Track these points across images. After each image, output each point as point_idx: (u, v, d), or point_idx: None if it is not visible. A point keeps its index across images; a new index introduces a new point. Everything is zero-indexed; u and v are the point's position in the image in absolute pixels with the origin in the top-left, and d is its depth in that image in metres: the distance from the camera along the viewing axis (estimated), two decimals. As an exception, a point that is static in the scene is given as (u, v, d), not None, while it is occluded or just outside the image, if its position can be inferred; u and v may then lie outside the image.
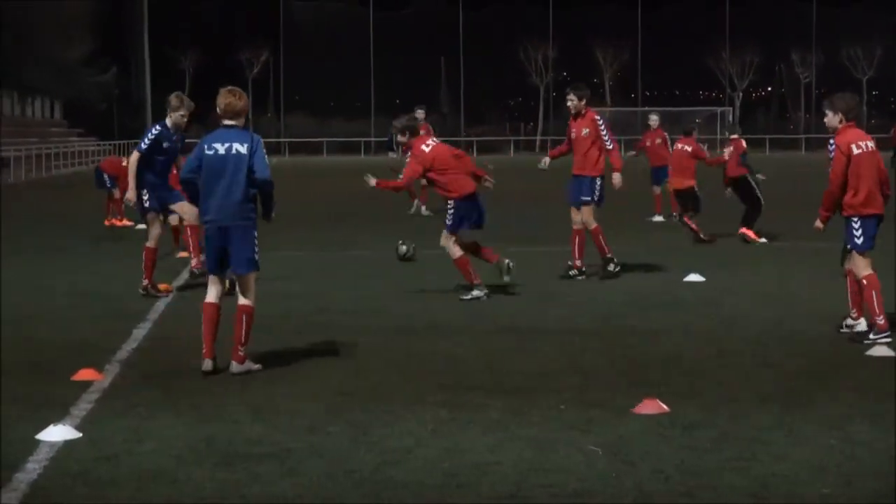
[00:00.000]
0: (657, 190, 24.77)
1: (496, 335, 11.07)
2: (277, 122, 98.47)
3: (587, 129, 14.86)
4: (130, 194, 13.80)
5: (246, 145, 9.37)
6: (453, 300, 13.26)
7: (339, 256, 14.96)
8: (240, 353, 9.43)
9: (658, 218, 24.42)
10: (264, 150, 9.50)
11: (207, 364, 9.33)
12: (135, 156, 13.68)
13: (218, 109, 9.55)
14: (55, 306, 13.08)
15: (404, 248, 16.53)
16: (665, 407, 8.00)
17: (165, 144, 13.80)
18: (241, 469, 6.76)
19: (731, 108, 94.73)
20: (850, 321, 10.91)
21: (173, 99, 13.91)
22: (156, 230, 13.90)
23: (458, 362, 9.78)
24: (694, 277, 14.70)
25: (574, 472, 6.68)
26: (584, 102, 14.99)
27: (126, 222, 23.55)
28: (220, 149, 9.40)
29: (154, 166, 13.80)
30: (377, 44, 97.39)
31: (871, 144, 10.72)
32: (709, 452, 7.04)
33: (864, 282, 10.53)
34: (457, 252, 13.33)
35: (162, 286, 13.95)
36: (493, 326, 11.58)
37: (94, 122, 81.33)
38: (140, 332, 11.26)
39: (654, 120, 25.59)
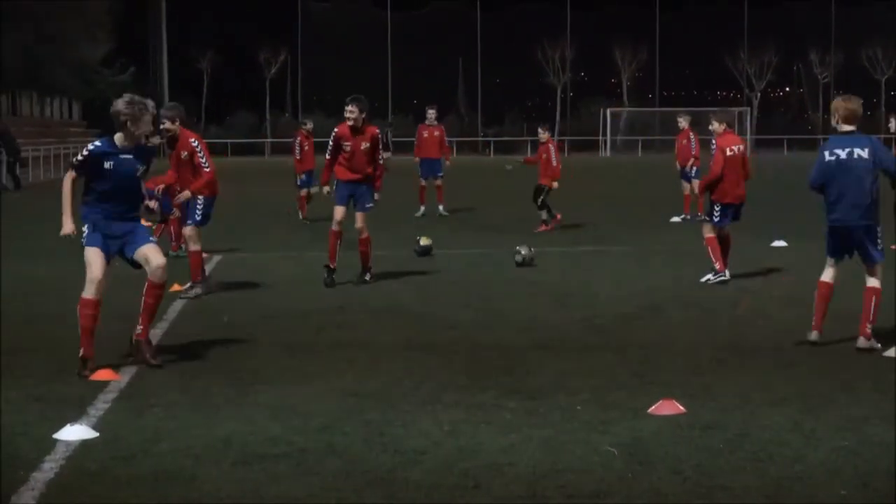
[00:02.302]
0: (686, 190, 24.68)
1: (512, 335, 11.06)
2: (295, 122, 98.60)
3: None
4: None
5: (867, 149, 10.09)
6: (471, 300, 13.27)
7: (356, 256, 14.96)
8: (867, 329, 10.15)
9: (676, 219, 24.39)
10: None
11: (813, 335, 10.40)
12: None
13: (836, 116, 10.25)
14: (73, 306, 13.08)
15: (524, 252, 16.41)
16: (681, 408, 7.99)
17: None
18: (258, 469, 6.77)
19: (749, 109, 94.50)
20: (710, 276, 14.60)
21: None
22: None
23: (474, 362, 9.78)
24: (711, 278, 14.68)
25: (590, 472, 6.67)
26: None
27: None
28: (842, 154, 10.12)
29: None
30: (394, 44, 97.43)
31: (740, 148, 14.96)
32: (725, 453, 7.03)
33: (707, 242, 14.69)
34: (197, 246, 13.93)
35: (177, 286, 13.98)
36: (509, 326, 11.58)
37: (112, 123, 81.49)
38: (156, 332, 11.28)
39: (681, 121, 25.40)
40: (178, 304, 13.05)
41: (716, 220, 14.70)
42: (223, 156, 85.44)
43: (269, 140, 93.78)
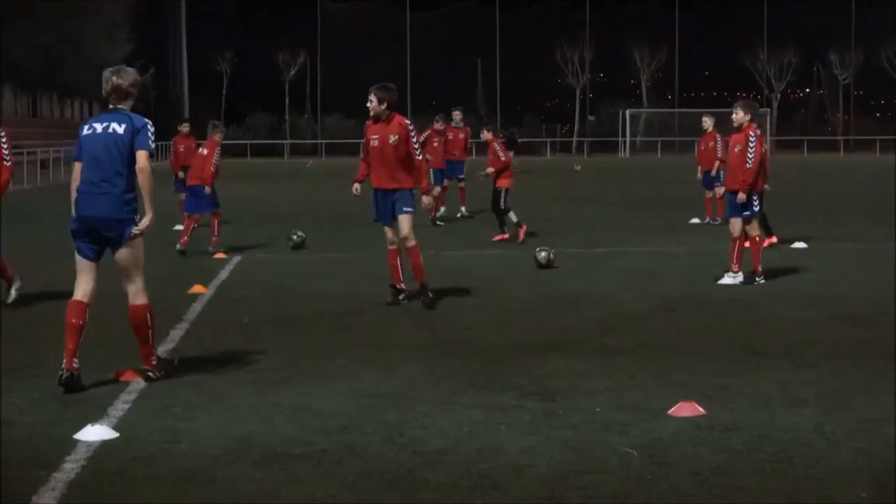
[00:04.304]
0: (708, 193, 24.17)
1: (530, 336, 11.06)
2: (314, 124, 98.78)
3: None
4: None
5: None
6: (487, 300, 13.28)
7: (374, 257, 14.98)
8: None
9: (694, 220, 24.30)
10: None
11: None
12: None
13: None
14: (93, 307, 13.12)
15: (543, 254, 16.41)
16: (701, 409, 7.98)
17: None
18: (278, 469, 6.78)
19: (769, 110, 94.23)
20: (731, 273, 14.58)
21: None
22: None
23: (493, 363, 9.78)
24: (728, 280, 14.65)
25: (609, 474, 6.67)
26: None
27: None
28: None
29: None
30: (413, 44, 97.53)
31: None
32: (744, 455, 7.02)
33: (758, 238, 14.69)
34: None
35: (197, 287, 14.02)
36: (526, 328, 11.58)
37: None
38: (177, 332, 11.32)
39: (707, 122, 24.49)
40: (197, 306, 13.08)
41: (756, 209, 14.66)
42: (243, 157, 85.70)
43: (288, 141, 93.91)
